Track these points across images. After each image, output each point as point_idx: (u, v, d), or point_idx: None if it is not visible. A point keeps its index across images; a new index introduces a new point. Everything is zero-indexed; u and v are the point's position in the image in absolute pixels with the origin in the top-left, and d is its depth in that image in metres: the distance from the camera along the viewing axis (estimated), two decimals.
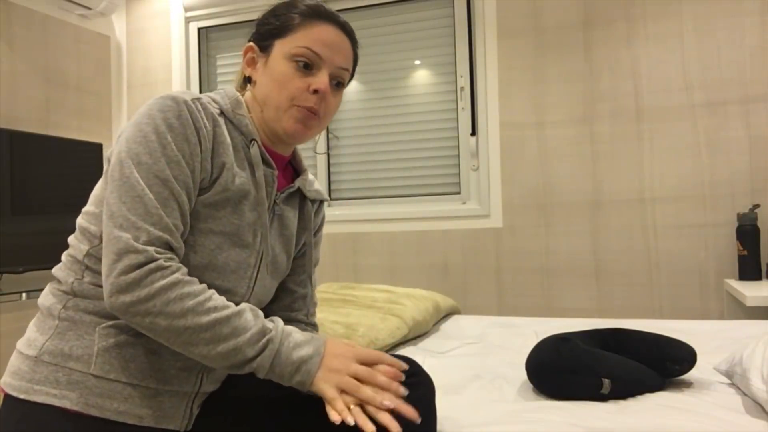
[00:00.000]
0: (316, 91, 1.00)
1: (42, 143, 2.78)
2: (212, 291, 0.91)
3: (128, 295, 0.86)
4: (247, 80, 1.08)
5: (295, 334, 0.93)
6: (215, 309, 0.89)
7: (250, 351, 0.89)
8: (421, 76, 3.10)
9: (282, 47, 1.01)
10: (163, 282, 0.86)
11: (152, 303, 0.86)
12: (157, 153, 0.90)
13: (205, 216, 0.96)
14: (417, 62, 3.10)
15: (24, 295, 2.59)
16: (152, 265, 0.87)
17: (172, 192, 0.90)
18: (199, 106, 0.95)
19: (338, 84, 1.05)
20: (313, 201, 1.17)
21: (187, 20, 3.48)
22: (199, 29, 3.48)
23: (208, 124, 0.95)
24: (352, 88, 3.18)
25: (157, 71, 3.49)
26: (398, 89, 3.13)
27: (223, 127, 0.98)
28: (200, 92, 1.10)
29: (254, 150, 1.01)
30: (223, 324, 0.88)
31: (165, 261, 0.88)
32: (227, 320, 0.88)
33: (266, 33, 1.04)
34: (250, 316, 0.91)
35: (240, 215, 0.99)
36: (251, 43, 1.06)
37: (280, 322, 0.95)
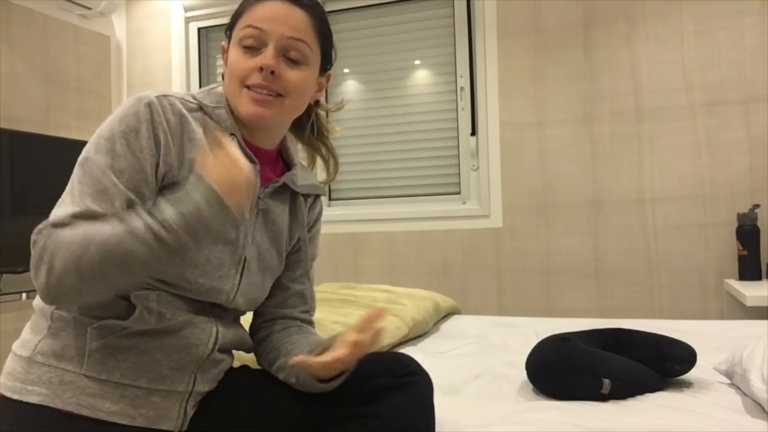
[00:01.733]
0: (261, 69, 0.97)
1: (42, 143, 2.77)
2: (89, 228, 0.84)
3: (41, 278, 0.83)
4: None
5: (162, 201, 0.86)
6: (95, 238, 0.82)
7: (147, 242, 0.81)
8: (421, 76, 3.10)
9: (234, 36, 1.02)
10: (46, 242, 0.83)
11: (54, 274, 0.81)
12: (104, 149, 0.89)
13: None
14: (417, 62, 3.10)
15: (24, 295, 2.59)
16: (36, 245, 0.84)
17: (107, 186, 0.87)
18: (165, 103, 0.94)
19: (295, 60, 1.00)
20: (306, 196, 1.15)
21: (187, 20, 3.48)
22: (199, 29, 3.48)
23: (173, 120, 0.94)
24: (352, 88, 3.18)
25: (157, 71, 3.49)
26: (398, 89, 3.13)
27: (193, 125, 0.97)
28: None
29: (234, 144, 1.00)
30: (120, 245, 0.81)
31: (50, 229, 0.84)
32: (119, 242, 0.81)
33: (227, 29, 1.05)
34: (135, 222, 0.83)
35: None
36: (223, 42, 1.07)
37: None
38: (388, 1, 3.12)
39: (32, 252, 0.84)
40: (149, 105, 0.93)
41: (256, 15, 0.99)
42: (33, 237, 0.85)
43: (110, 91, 3.46)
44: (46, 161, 2.77)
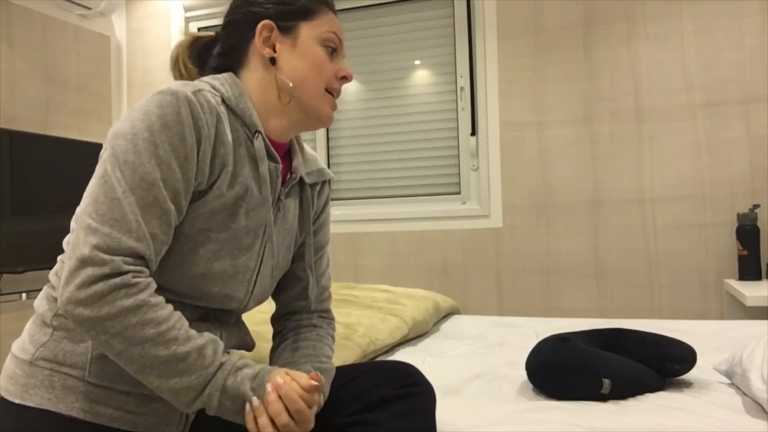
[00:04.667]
0: (344, 78, 1.02)
1: (42, 143, 2.77)
2: (177, 317, 0.85)
3: (86, 309, 0.79)
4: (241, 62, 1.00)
5: (243, 372, 0.87)
6: (176, 341, 0.82)
7: (197, 394, 0.84)
8: (421, 76, 3.10)
9: (311, 31, 0.99)
10: (126, 302, 0.79)
11: (111, 323, 0.79)
12: (146, 153, 0.82)
13: (200, 224, 0.90)
14: (417, 62, 3.10)
15: (24, 295, 2.59)
16: (117, 281, 0.79)
17: (157, 198, 0.83)
18: (202, 100, 0.88)
19: None
20: (313, 184, 1.11)
21: (187, 20, 3.48)
22: (199, 29, 3.48)
23: (210, 121, 0.88)
24: (352, 87, 3.18)
25: (157, 71, 3.49)
26: (398, 89, 3.13)
27: (225, 121, 0.91)
28: None
29: (258, 143, 0.95)
30: (180, 360, 0.82)
31: (133, 277, 0.81)
32: (185, 357, 0.83)
33: (290, 13, 0.98)
34: (210, 352, 0.85)
35: (237, 219, 0.93)
36: (269, 21, 0.98)
37: (234, 355, 0.90)
38: (388, 1, 3.12)
39: (98, 277, 0.79)
40: (190, 104, 0.85)
41: (337, 25, 1.02)
42: (109, 261, 0.79)
43: (110, 91, 3.46)
44: (46, 161, 2.76)
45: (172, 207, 0.85)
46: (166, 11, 3.49)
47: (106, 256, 0.79)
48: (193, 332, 0.85)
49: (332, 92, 1.02)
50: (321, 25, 0.99)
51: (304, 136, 3.15)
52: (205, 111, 0.87)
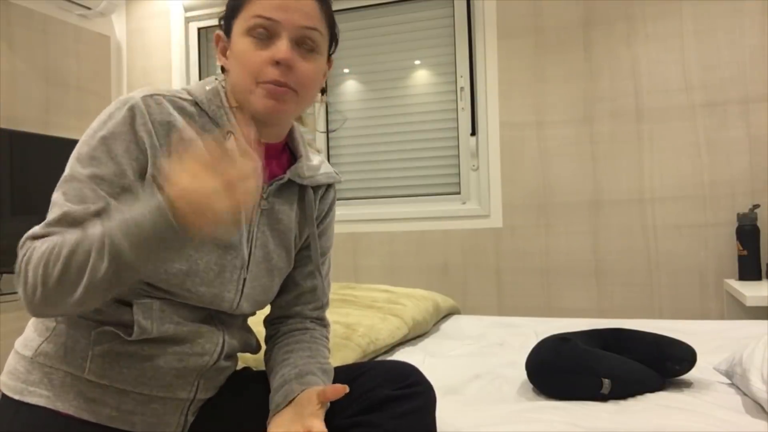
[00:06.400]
0: (278, 63, 0.91)
1: (42, 143, 2.77)
2: (57, 238, 0.81)
3: (26, 302, 0.81)
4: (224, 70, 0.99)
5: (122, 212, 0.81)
6: (60, 249, 0.79)
7: (107, 263, 0.77)
8: (421, 76, 3.10)
9: (239, 26, 0.94)
10: (23, 259, 0.82)
11: (30, 285, 0.80)
12: (84, 158, 0.87)
13: None
14: (417, 62, 3.10)
15: None
16: (22, 257, 0.82)
17: (88, 191, 0.85)
18: (150, 102, 0.90)
19: (309, 49, 0.94)
20: (316, 187, 1.08)
21: (187, 20, 3.48)
22: (199, 29, 3.48)
23: (158, 119, 0.89)
24: (352, 88, 3.18)
25: (157, 71, 3.49)
26: (398, 89, 3.13)
27: (192, 122, 0.92)
28: None
29: (230, 144, 0.93)
30: (76, 255, 0.78)
31: (29, 242, 0.83)
32: (74, 252, 0.78)
33: (225, 17, 0.98)
34: (96, 230, 0.79)
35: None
36: (218, 32, 0.99)
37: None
38: (388, 1, 3.12)
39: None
40: (132, 108, 0.89)
41: (266, 3, 0.92)
42: (18, 251, 0.83)
43: (110, 91, 3.46)
44: (46, 161, 2.76)
45: (110, 200, 0.85)
46: (166, 11, 3.48)
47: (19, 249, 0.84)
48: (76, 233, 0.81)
49: (267, 82, 0.91)
50: (247, 15, 0.93)
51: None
52: (152, 111, 0.89)
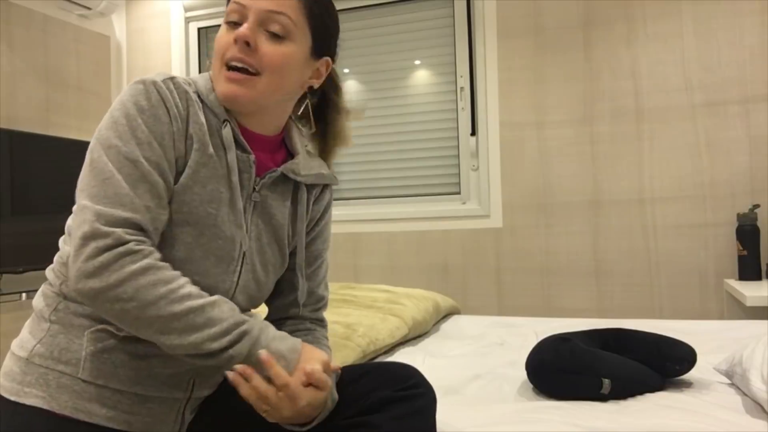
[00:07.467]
0: (236, 41, 0.94)
1: (42, 143, 2.77)
2: (186, 279, 0.88)
3: (96, 280, 0.82)
4: None
5: (272, 328, 0.92)
6: (189, 297, 0.85)
7: (225, 341, 0.85)
8: (421, 76, 3.10)
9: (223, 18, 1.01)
10: (133, 267, 0.82)
11: (122, 289, 0.82)
12: (126, 135, 0.87)
13: (179, 205, 0.91)
14: (417, 62, 3.10)
15: (24, 295, 2.59)
16: (121, 249, 0.82)
17: (143, 173, 0.87)
18: (171, 86, 0.92)
19: (276, 33, 0.95)
20: (310, 186, 1.09)
21: (187, 20, 3.48)
22: (199, 29, 3.48)
23: (180, 103, 0.92)
24: (352, 88, 3.18)
25: (157, 71, 3.49)
26: (398, 89, 3.13)
27: (197, 108, 0.95)
28: None
29: (226, 131, 0.96)
30: (197, 313, 0.84)
31: (135, 245, 0.84)
32: (201, 309, 0.85)
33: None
34: (225, 307, 0.88)
35: (217, 204, 0.94)
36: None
37: (258, 316, 0.93)
38: (388, 1, 3.12)
39: (103, 249, 0.82)
40: (158, 89, 0.90)
41: None
42: (110, 233, 0.83)
43: (110, 91, 3.46)
44: (46, 161, 2.76)
45: (160, 180, 0.89)
46: (166, 11, 3.48)
47: (107, 229, 0.83)
48: (204, 292, 0.88)
49: (229, 63, 0.95)
50: (228, 6, 0.98)
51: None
52: (173, 94, 0.92)
